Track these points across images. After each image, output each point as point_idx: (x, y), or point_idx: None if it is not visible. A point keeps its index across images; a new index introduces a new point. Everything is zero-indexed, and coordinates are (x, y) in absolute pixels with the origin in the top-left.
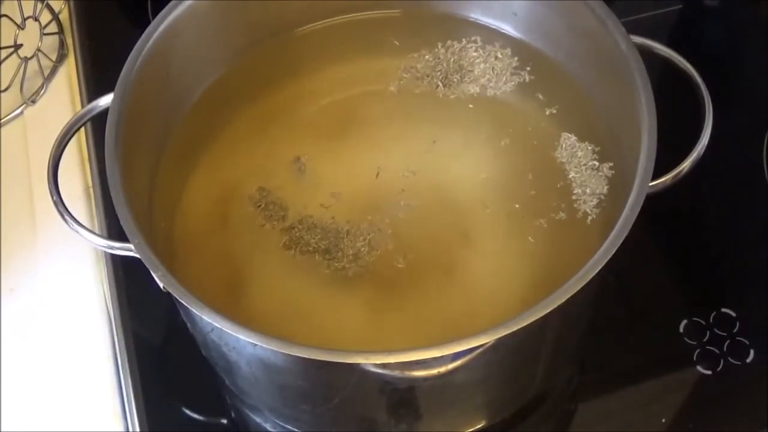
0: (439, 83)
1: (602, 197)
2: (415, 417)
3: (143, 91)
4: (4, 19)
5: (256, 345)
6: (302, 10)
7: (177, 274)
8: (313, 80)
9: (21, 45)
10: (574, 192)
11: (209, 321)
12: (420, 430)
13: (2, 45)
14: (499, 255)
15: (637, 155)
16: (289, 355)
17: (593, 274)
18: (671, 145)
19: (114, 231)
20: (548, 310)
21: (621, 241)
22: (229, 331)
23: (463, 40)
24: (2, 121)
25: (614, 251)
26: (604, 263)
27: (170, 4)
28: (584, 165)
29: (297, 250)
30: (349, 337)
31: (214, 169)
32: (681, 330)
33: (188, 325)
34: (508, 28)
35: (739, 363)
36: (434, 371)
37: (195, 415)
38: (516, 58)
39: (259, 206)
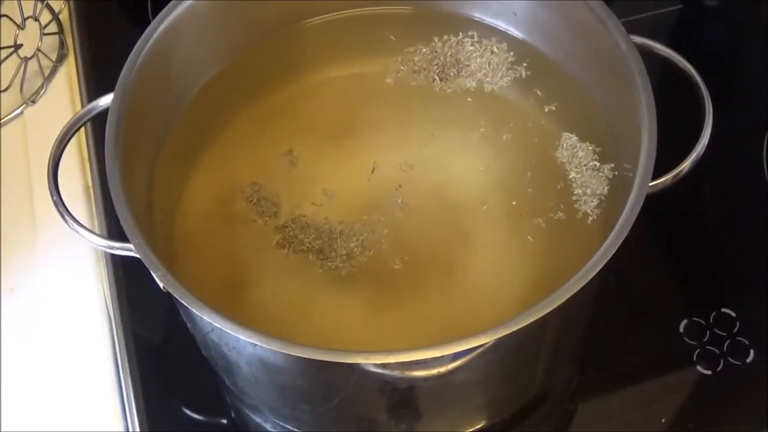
0: (436, 77)
1: (602, 198)
2: (415, 417)
3: (143, 91)
4: (4, 19)
5: (256, 345)
6: (301, 8)
7: (177, 274)
8: (312, 78)
9: (21, 45)
10: (575, 192)
11: (209, 321)
12: (420, 430)
13: (2, 45)
14: (498, 255)
15: (637, 155)
16: (289, 355)
17: (593, 274)
18: (671, 145)
19: (114, 231)
20: (548, 310)
21: (621, 241)
22: (229, 331)
23: (460, 33)
24: (2, 121)
25: (614, 251)
26: (604, 263)
27: (170, 4)
28: (585, 165)
29: (291, 249)
30: (349, 337)
31: (214, 169)
32: (681, 330)
33: (188, 325)
34: (507, 28)
35: (739, 363)
36: (434, 371)
37: (195, 415)
38: (512, 53)
39: (251, 201)
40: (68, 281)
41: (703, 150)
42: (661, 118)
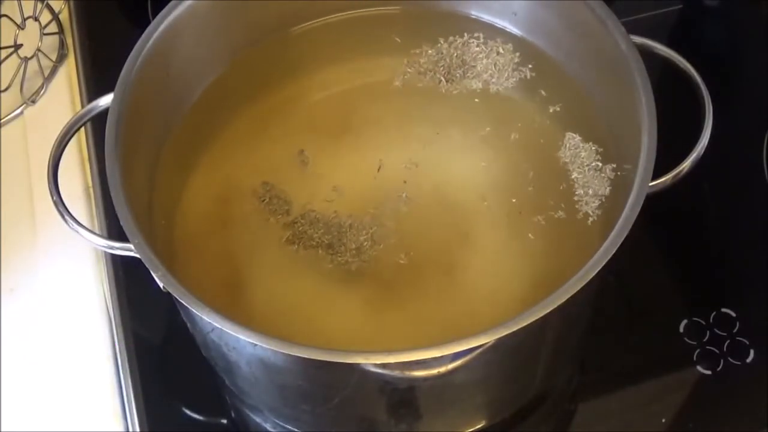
0: (442, 78)
1: (604, 199)
2: (415, 417)
3: (143, 91)
4: (4, 19)
5: (256, 345)
6: (302, 9)
7: (177, 274)
8: (314, 78)
9: (21, 45)
10: (576, 193)
11: (209, 321)
12: (420, 430)
13: (2, 45)
14: (499, 254)
15: (637, 155)
16: (289, 355)
17: (593, 274)
18: (671, 145)
19: (114, 231)
20: (548, 310)
21: (621, 241)
22: (229, 331)
23: (465, 35)
24: (2, 121)
25: (614, 251)
26: (604, 263)
27: (170, 4)
28: (587, 166)
29: (300, 245)
30: (349, 337)
31: (214, 169)
32: (681, 330)
33: (188, 325)
34: (508, 27)
35: (739, 363)
36: (434, 371)
37: (195, 415)
38: (518, 54)
39: (263, 200)
40: (68, 281)
41: (703, 150)
42: (661, 118)
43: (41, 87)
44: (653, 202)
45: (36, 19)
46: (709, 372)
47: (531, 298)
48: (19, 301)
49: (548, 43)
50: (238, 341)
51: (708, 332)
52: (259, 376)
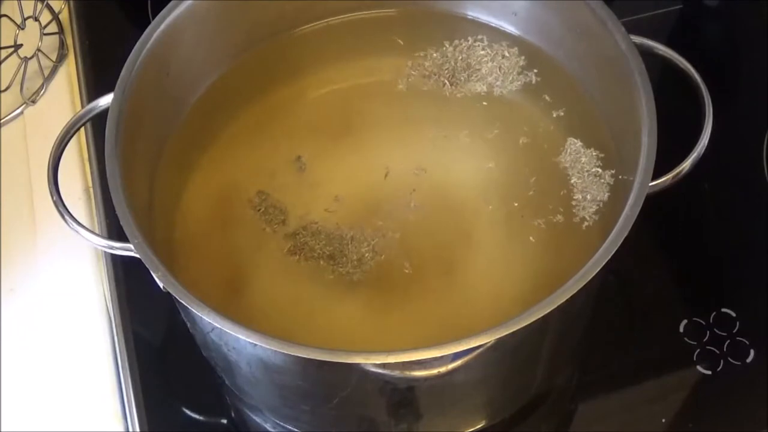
0: (446, 81)
1: (602, 204)
2: (415, 417)
3: (143, 91)
4: (4, 19)
5: (256, 345)
6: (302, 10)
7: (177, 274)
8: (314, 80)
9: (21, 45)
10: (575, 198)
11: (209, 321)
12: (420, 430)
13: (2, 45)
14: (500, 256)
15: (638, 155)
16: (289, 355)
17: (593, 274)
18: (671, 145)
19: (114, 231)
20: (548, 310)
21: (621, 241)
22: (229, 331)
23: (470, 38)
24: (2, 121)
25: (614, 251)
26: (604, 263)
27: (170, 4)
28: (587, 171)
29: (302, 256)
30: (349, 337)
31: (214, 170)
32: (681, 330)
33: (188, 325)
34: (508, 28)
35: (739, 363)
36: (434, 371)
37: (195, 415)
38: (523, 57)
39: (259, 210)
40: (68, 281)
41: (703, 150)
42: (661, 118)
43: (41, 87)
44: (653, 202)
45: (36, 19)
46: (709, 372)
47: (531, 298)
48: (19, 301)
49: (548, 43)
50: (238, 341)
51: (708, 332)
52: (259, 376)
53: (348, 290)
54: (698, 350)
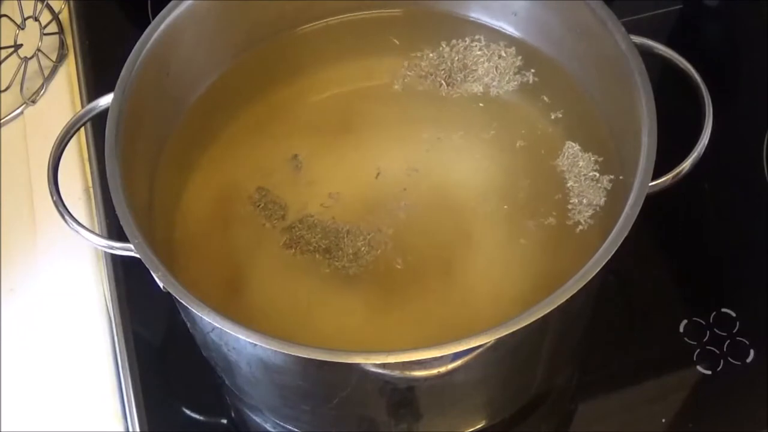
0: (443, 82)
1: (598, 209)
2: (415, 417)
3: (143, 91)
4: (4, 19)
5: (256, 345)
6: (302, 10)
7: (177, 274)
8: (313, 80)
9: (21, 45)
10: (570, 201)
11: (209, 321)
12: (420, 430)
13: (2, 45)
14: (499, 256)
15: (638, 155)
16: (289, 355)
17: (593, 274)
18: (671, 145)
19: (114, 231)
20: (548, 310)
21: (621, 241)
22: (229, 331)
23: (467, 38)
24: (2, 121)
25: (614, 251)
26: (604, 263)
27: (170, 4)
28: (584, 176)
29: (297, 250)
30: (349, 337)
31: (214, 169)
32: (681, 330)
33: (188, 325)
34: (507, 28)
35: (739, 363)
36: (434, 371)
37: (195, 415)
38: (520, 57)
39: (259, 206)
40: (68, 281)
41: (703, 150)
42: (661, 118)
43: (41, 87)
44: (653, 202)
45: (36, 19)
46: (709, 372)
47: (531, 298)
48: (19, 301)
49: (548, 43)
50: (238, 341)
51: (708, 332)
52: (259, 376)
53: (346, 286)
54: (698, 350)
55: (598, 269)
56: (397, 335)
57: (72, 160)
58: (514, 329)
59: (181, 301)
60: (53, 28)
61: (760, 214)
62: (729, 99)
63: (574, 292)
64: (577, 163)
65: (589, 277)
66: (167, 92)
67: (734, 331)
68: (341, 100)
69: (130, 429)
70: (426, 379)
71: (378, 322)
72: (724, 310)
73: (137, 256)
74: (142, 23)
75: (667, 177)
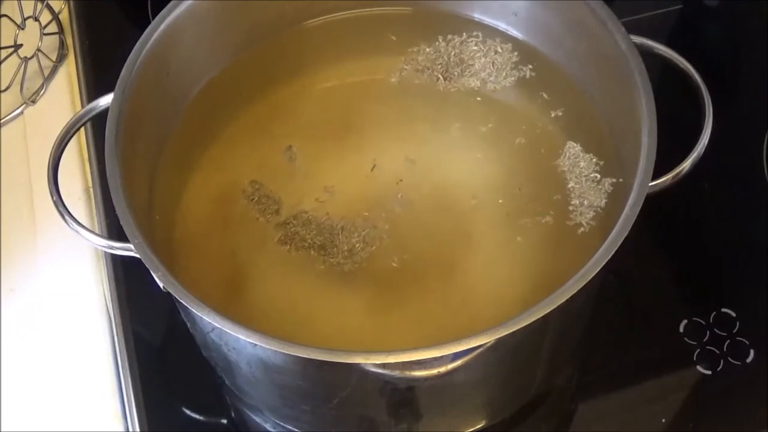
0: (440, 76)
1: (600, 210)
2: (415, 417)
3: (143, 91)
4: (4, 19)
5: (256, 345)
6: (301, 9)
7: (177, 274)
8: (312, 78)
9: (21, 45)
10: (572, 203)
11: (209, 321)
12: (420, 430)
13: (2, 45)
14: (498, 255)
15: (638, 155)
16: (289, 355)
17: (593, 274)
18: (671, 145)
19: (114, 231)
20: (548, 310)
21: (621, 241)
22: (229, 331)
23: (464, 34)
24: (2, 121)
25: (614, 251)
26: (604, 263)
27: (170, 4)
28: (585, 176)
29: (292, 246)
30: (349, 337)
31: (214, 169)
32: (681, 330)
33: (188, 325)
34: (508, 28)
35: (739, 363)
36: (434, 371)
37: (195, 415)
38: (516, 53)
39: (252, 199)
40: (68, 281)
41: (703, 150)
42: (661, 118)
43: (41, 87)
44: (653, 202)
45: (36, 19)
46: (709, 372)
47: (531, 298)
48: (19, 301)
49: (548, 43)
50: (238, 341)
51: (708, 332)
52: (259, 376)
53: (343, 284)
54: (698, 350)
55: (598, 269)
56: (397, 335)
57: (72, 160)
58: (514, 329)
59: (181, 301)
60: (53, 28)
61: (760, 214)
62: (729, 99)
63: (574, 292)
64: (578, 164)
65: (589, 277)
66: (167, 92)
67: (734, 331)
68: (339, 95)
69: (130, 429)
70: (426, 379)
71: (378, 322)
72: (724, 310)
73: (137, 256)
74: (142, 23)
75: (667, 177)
